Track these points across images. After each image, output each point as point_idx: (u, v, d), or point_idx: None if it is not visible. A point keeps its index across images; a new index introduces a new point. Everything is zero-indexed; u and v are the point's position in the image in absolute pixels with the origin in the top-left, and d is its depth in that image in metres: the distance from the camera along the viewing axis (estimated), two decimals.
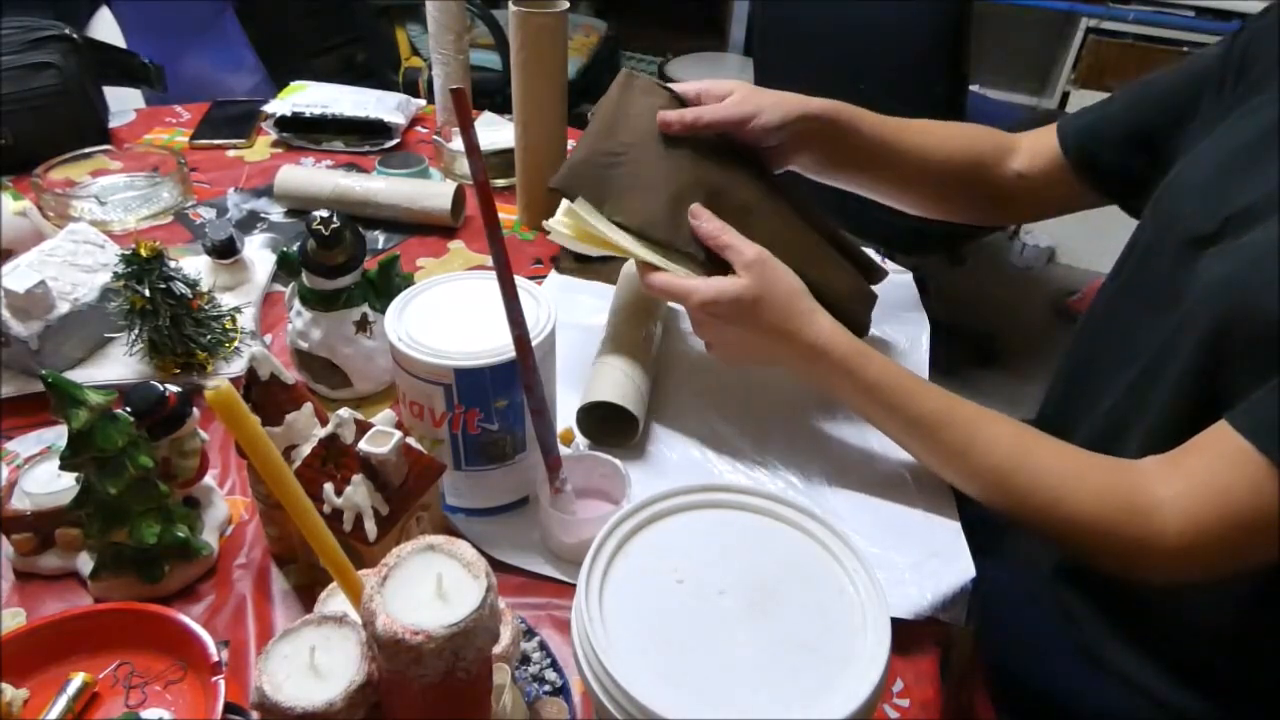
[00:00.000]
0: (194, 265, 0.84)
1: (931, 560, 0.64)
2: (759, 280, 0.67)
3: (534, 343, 0.57)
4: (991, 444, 0.64)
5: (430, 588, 0.37)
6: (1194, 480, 0.58)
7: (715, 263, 0.71)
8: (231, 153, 1.21)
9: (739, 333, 0.69)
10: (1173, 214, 0.70)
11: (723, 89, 0.79)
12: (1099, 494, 0.61)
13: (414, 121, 1.30)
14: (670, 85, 0.80)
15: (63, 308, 0.75)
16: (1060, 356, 0.87)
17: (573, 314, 0.88)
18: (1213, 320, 0.61)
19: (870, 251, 1.05)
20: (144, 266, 0.73)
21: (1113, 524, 0.60)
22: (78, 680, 0.51)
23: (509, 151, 1.05)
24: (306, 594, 0.61)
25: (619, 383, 0.73)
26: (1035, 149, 0.86)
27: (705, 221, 0.71)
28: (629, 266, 0.89)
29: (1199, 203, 0.67)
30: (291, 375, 0.57)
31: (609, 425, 0.73)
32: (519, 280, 0.56)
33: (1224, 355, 0.61)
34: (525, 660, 0.55)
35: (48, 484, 0.61)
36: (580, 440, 0.74)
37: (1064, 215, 0.89)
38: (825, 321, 0.68)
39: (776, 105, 0.77)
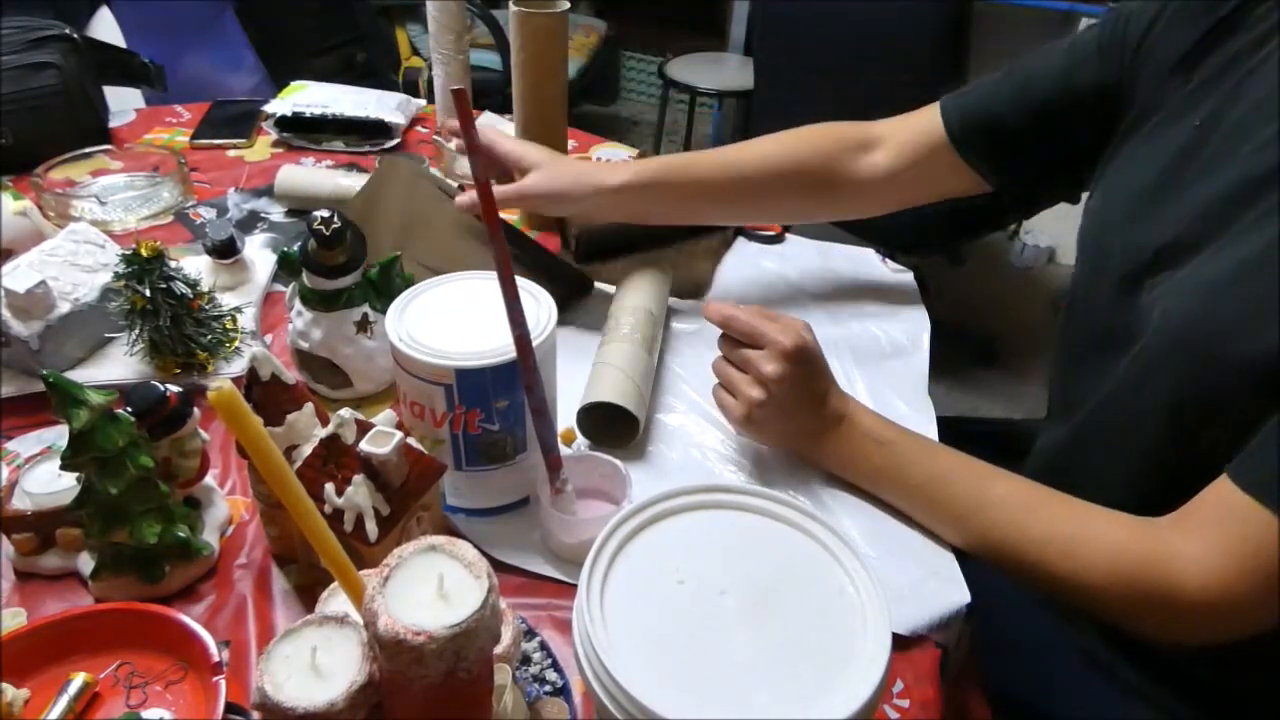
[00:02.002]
0: (194, 265, 0.84)
1: (930, 580, 0.64)
2: (807, 332, 0.68)
3: (535, 343, 0.57)
4: (1005, 497, 0.64)
5: (432, 588, 0.37)
6: (1208, 538, 0.57)
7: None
8: (232, 153, 1.21)
9: (796, 390, 0.68)
10: (1101, 254, 0.70)
11: (526, 160, 0.81)
12: (1116, 544, 0.60)
13: (414, 121, 1.30)
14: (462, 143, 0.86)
15: (63, 308, 0.75)
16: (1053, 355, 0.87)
17: (573, 314, 0.88)
18: (1176, 362, 0.61)
19: (870, 251, 1.05)
20: (144, 266, 0.73)
21: (1132, 574, 0.59)
22: (78, 680, 0.51)
23: None
24: (307, 594, 0.61)
25: (619, 383, 0.73)
26: (905, 137, 0.84)
27: (733, 311, 0.69)
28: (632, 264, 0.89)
29: (1125, 238, 0.67)
30: (292, 375, 0.57)
31: (609, 425, 0.73)
32: (519, 280, 0.56)
33: (1195, 397, 0.60)
34: (526, 660, 0.55)
35: (48, 484, 0.61)
36: (581, 440, 0.74)
37: (950, 198, 0.86)
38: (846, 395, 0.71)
39: (575, 185, 0.81)
